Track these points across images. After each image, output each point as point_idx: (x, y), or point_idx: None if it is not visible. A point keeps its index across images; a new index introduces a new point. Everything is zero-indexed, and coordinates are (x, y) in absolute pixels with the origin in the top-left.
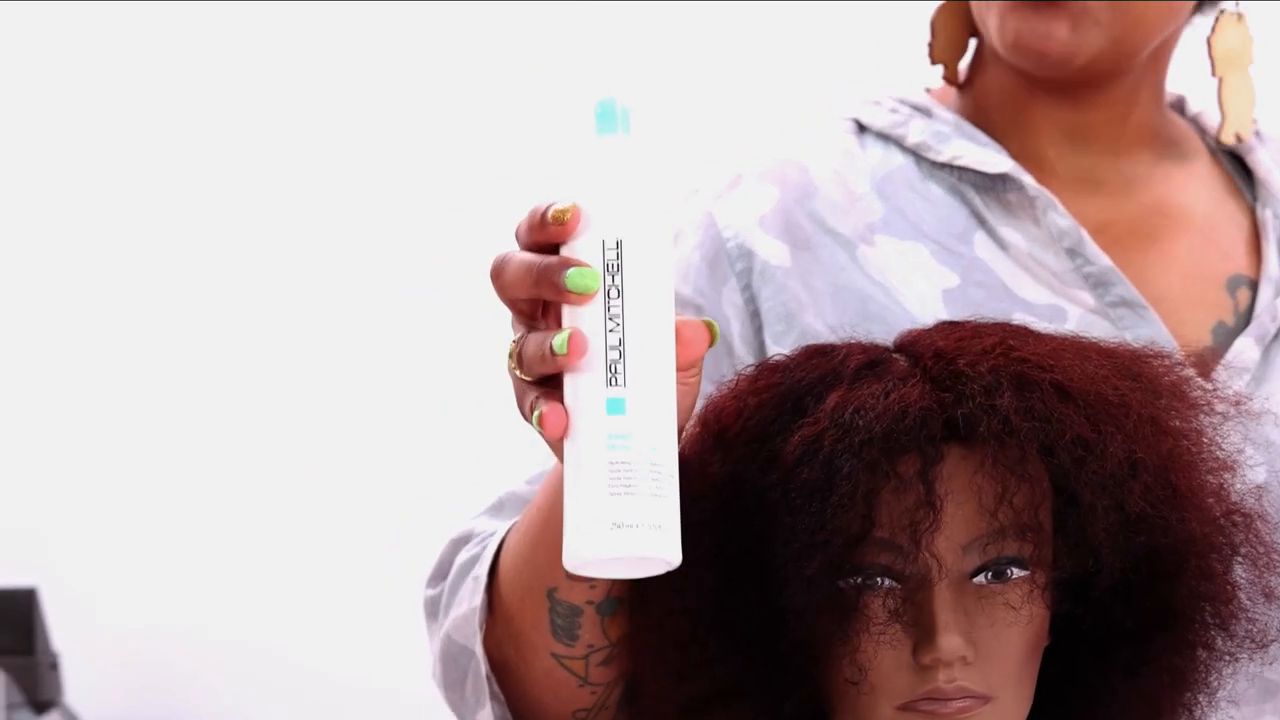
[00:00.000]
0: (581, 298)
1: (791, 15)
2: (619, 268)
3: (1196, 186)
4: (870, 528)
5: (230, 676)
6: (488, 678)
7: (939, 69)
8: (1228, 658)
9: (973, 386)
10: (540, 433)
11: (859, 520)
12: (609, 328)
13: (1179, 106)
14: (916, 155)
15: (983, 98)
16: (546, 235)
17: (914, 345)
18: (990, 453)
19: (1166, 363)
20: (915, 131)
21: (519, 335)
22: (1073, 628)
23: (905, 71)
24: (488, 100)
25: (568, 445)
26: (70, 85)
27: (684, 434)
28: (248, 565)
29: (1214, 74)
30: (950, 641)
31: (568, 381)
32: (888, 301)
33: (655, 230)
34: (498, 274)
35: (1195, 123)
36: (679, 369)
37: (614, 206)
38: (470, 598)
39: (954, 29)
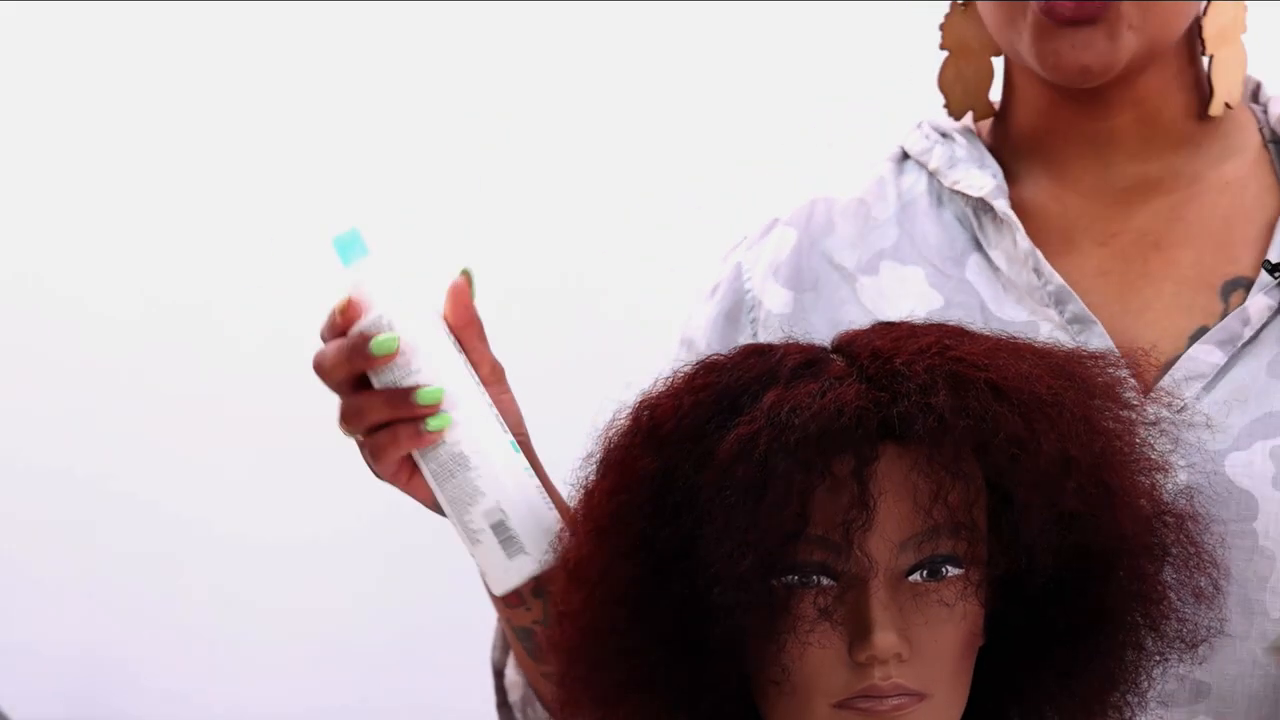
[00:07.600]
0: (387, 358)
1: (792, 17)
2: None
3: (1229, 184)
4: (804, 526)
5: (167, 677)
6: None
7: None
8: (1158, 658)
9: (908, 385)
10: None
11: (793, 519)
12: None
13: (1253, 93)
14: (938, 181)
15: (1011, 119)
16: (345, 322)
17: (851, 345)
18: (925, 451)
19: (1100, 363)
20: (935, 157)
21: (348, 416)
22: (1006, 628)
23: (916, 76)
24: (490, 101)
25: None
26: (70, 86)
27: (614, 427)
28: (184, 563)
29: (1204, 52)
30: (886, 638)
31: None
32: None
33: (415, 298)
34: (319, 365)
35: (1265, 109)
36: (453, 323)
37: (378, 295)
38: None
39: (970, 76)
